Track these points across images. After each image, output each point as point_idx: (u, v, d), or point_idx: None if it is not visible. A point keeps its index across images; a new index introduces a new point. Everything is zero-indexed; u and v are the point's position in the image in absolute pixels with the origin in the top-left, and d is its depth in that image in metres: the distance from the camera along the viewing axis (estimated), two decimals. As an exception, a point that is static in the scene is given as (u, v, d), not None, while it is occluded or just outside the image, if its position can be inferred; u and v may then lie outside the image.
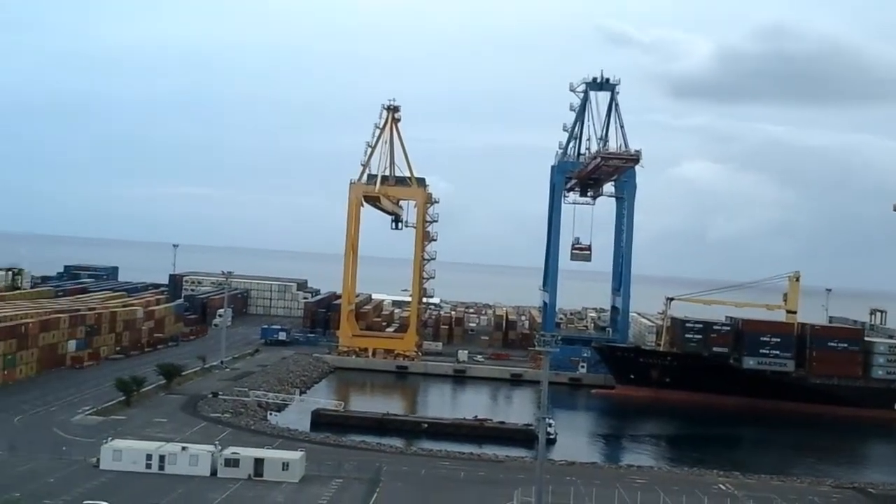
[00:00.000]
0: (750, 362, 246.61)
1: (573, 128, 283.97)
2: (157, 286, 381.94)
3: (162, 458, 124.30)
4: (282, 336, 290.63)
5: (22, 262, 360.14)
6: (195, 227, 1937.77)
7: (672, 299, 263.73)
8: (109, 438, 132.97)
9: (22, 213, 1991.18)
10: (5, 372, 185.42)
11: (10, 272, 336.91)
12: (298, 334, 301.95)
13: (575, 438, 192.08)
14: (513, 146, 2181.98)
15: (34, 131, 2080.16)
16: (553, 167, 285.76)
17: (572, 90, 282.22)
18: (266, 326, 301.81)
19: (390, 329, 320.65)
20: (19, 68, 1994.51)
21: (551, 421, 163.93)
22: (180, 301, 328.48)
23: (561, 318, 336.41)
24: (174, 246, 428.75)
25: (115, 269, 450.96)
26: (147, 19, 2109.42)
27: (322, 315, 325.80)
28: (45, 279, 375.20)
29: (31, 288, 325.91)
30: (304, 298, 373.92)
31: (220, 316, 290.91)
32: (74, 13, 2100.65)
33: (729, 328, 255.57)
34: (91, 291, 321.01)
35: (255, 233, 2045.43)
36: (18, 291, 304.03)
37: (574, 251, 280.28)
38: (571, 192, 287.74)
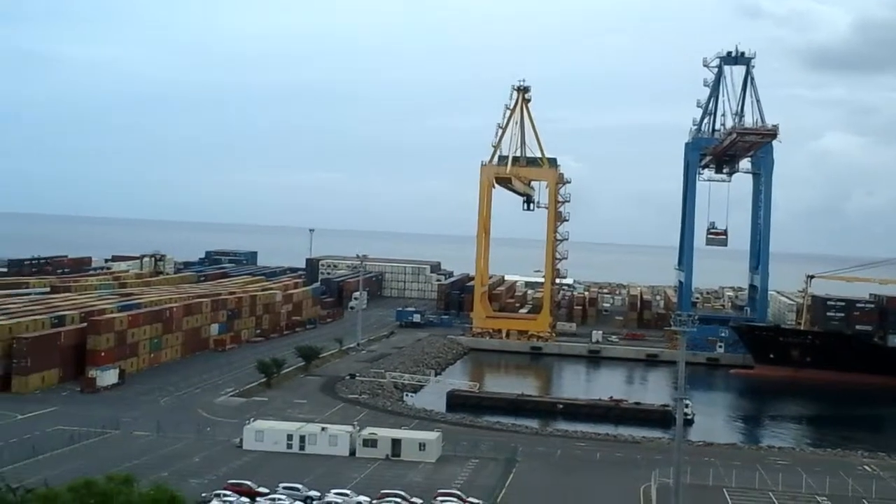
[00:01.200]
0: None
1: (707, 103, 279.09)
2: (294, 270, 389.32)
3: (302, 438, 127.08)
4: (416, 318, 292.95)
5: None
6: (330, 211, 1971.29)
7: (812, 277, 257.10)
8: (251, 419, 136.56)
9: (167, 202, 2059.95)
10: (151, 355, 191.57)
11: (153, 258, 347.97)
12: (432, 316, 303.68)
13: (713, 419, 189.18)
14: (643, 124, 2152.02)
15: (179, 124, 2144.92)
16: (687, 144, 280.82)
17: (706, 65, 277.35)
18: (401, 309, 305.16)
19: (524, 310, 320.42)
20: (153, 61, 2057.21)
21: (689, 401, 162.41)
22: (317, 284, 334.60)
23: (697, 298, 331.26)
24: (310, 230, 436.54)
25: (255, 253, 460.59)
26: (279, 10, 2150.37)
27: (455, 297, 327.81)
28: (187, 265, 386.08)
29: (174, 273, 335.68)
30: (438, 280, 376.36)
31: (355, 299, 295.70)
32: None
33: (873, 306, 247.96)
34: (231, 276, 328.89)
35: (387, 216, 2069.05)
36: (162, 277, 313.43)
37: (710, 236, 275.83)
38: (706, 170, 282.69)
